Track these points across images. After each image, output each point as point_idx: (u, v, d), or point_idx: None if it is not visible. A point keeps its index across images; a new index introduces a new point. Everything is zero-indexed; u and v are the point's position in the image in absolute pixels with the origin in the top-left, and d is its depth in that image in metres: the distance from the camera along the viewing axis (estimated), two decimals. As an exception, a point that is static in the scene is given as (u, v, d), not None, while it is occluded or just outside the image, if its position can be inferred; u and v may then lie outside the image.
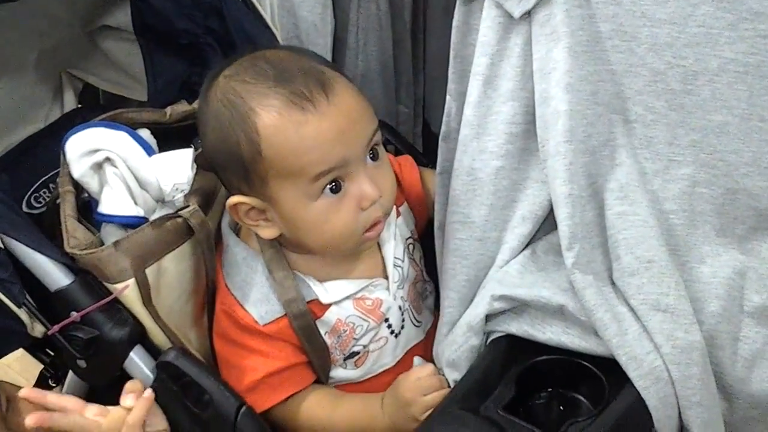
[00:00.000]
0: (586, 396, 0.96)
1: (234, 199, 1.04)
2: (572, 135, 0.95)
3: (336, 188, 1.01)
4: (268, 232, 1.06)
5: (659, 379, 0.93)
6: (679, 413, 0.96)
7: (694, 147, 0.95)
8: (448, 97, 1.07)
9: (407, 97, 1.49)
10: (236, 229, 1.14)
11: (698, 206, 0.97)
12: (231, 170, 1.04)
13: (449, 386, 1.04)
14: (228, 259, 1.11)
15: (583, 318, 0.95)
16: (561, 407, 0.97)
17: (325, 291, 1.09)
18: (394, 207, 1.12)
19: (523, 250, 1.03)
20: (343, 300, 1.10)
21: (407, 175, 1.22)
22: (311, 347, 1.09)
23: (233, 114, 1.01)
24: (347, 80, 1.04)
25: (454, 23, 1.03)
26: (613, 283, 0.98)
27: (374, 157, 1.04)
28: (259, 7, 1.28)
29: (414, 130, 1.44)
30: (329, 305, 1.09)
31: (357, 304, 1.11)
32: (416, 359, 1.14)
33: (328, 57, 1.45)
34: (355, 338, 1.11)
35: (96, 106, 1.41)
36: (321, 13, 1.36)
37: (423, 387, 1.03)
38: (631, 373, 0.93)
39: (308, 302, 1.08)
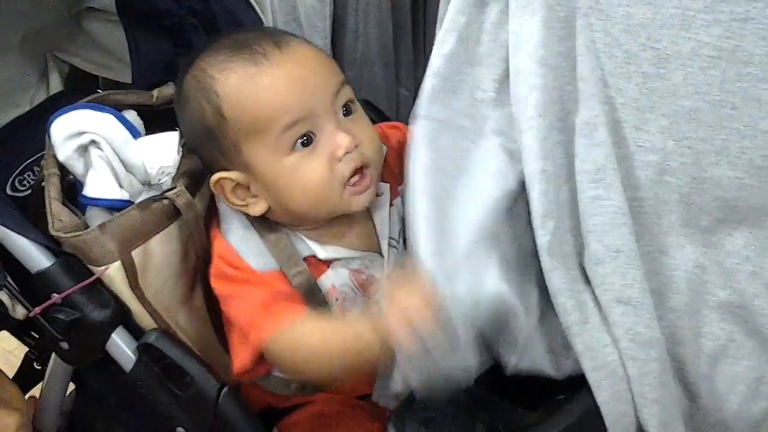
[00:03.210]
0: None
1: (216, 175, 1.04)
2: (545, 110, 0.93)
3: (307, 141, 1.01)
4: (258, 208, 1.06)
5: (614, 373, 0.91)
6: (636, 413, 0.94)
7: (663, 133, 0.92)
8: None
9: (408, 80, 1.48)
10: None
11: (663, 195, 0.94)
12: (205, 146, 1.05)
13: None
14: (227, 227, 1.09)
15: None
16: (543, 385, 0.96)
17: (322, 249, 1.08)
18: (390, 187, 1.12)
19: None
20: (340, 263, 1.08)
21: (397, 138, 1.18)
22: (312, 306, 1.06)
23: (196, 88, 1.03)
24: (307, 41, 1.07)
25: None
26: (583, 269, 0.96)
27: (347, 112, 1.04)
28: (243, -14, 1.28)
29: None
30: (326, 267, 1.08)
31: (353, 275, 1.10)
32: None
33: (328, 39, 1.44)
34: (346, 312, 1.09)
35: (81, 89, 1.40)
36: (320, -5, 1.36)
37: (407, 293, 0.90)
38: (586, 364, 0.91)
39: (304, 258, 1.07)
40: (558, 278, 0.93)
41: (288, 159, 1.01)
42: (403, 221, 1.13)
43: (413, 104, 1.42)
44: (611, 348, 0.92)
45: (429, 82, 0.99)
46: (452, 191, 0.96)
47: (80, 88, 1.37)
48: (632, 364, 0.91)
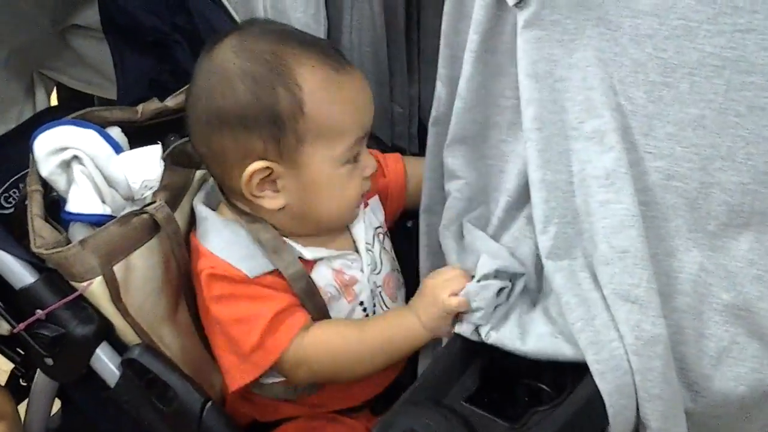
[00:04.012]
0: (549, 386, 0.96)
1: (257, 164, 1.04)
2: (542, 123, 0.96)
3: (355, 158, 1.08)
4: (274, 203, 1.07)
5: (618, 367, 0.93)
6: (638, 408, 0.95)
7: (670, 140, 0.95)
8: (438, 82, 1.08)
9: (402, 97, 1.49)
10: (210, 206, 1.14)
11: (671, 200, 0.97)
12: (259, 132, 1.03)
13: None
14: (206, 228, 1.11)
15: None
16: (525, 398, 0.97)
17: (307, 250, 1.10)
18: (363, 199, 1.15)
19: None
20: (323, 262, 1.10)
21: (392, 166, 1.25)
22: (313, 305, 1.08)
23: (269, 71, 1.02)
24: None
25: (445, 9, 1.05)
26: (591, 270, 0.98)
27: None
28: (227, 4, 1.28)
29: (409, 131, 1.43)
30: (313, 264, 1.10)
31: (335, 276, 1.11)
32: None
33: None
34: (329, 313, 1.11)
35: (68, 105, 1.40)
36: (314, 13, 1.36)
37: (446, 278, 1.01)
38: (589, 357, 0.93)
39: None
40: (561, 279, 0.96)
41: (340, 170, 1.06)
42: (374, 228, 1.18)
43: (408, 121, 1.44)
44: (618, 343, 0.94)
45: (457, 106, 1.04)
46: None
47: (73, 105, 1.38)
48: (637, 359, 0.93)
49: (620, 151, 0.96)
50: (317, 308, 1.09)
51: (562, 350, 0.95)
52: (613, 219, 0.95)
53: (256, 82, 1.02)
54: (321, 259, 1.10)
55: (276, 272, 1.07)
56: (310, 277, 1.08)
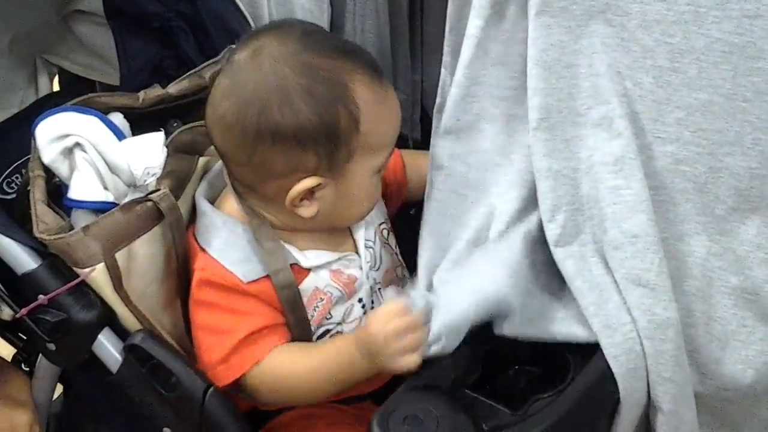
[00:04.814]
0: (551, 372, 0.96)
1: (310, 181, 1.03)
2: (548, 112, 0.97)
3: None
4: (309, 211, 1.07)
5: (631, 350, 0.94)
6: (648, 390, 0.96)
7: (679, 125, 0.96)
8: (443, 70, 1.08)
9: (405, 84, 1.49)
10: (210, 199, 1.14)
11: (680, 184, 0.97)
12: (315, 149, 1.02)
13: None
14: (204, 225, 1.10)
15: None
16: (527, 384, 0.98)
17: (304, 257, 1.10)
18: None
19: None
20: (322, 267, 1.10)
21: (390, 162, 1.22)
22: (294, 318, 1.08)
23: (328, 87, 1.01)
24: None
25: None
26: (602, 256, 0.98)
27: None
28: (230, -11, 1.28)
29: (412, 117, 1.43)
30: (308, 271, 1.09)
31: (333, 276, 1.11)
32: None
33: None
34: (330, 312, 1.11)
35: (69, 90, 1.40)
36: (318, 0, 1.36)
37: (396, 331, 0.96)
38: (604, 341, 0.93)
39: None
40: (571, 266, 0.97)
41: (374, 178, 1.08)
42: (377, 225, 1.17)
43: (411, 108, 1.44)
44: (630, 326, 0.95)
45: (453, 93, 1.04)
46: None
47: (74, 90, 1.38)
48: (649, 343, 0.94)
49: (628, 137, 0.96)
50: (298, 321, 1.09)
51: (575, 333, 0.95)
52: (623, 204, 0.96)
53: (317, 102, 1.01)
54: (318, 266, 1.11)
55: (268, 277, 1.07)
56: (298, 289, 1.08)
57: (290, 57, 1.02)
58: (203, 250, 1.09)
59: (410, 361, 0.96)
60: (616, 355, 0.93)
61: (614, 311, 0.95)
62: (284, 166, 1.03)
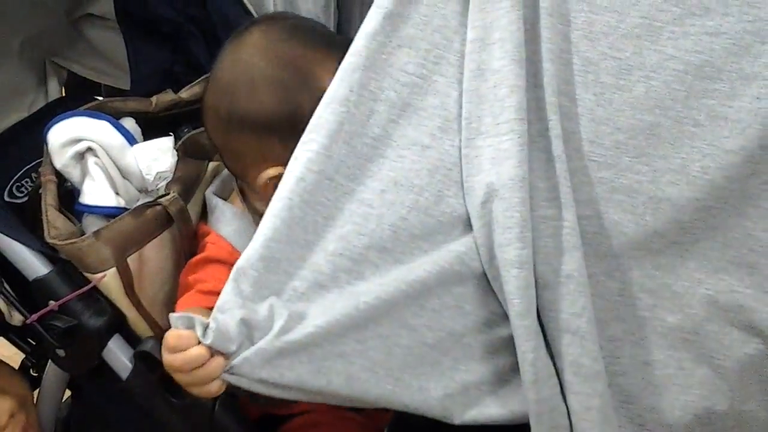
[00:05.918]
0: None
1: (274, 170, 1.04)
2: (526, 113, 0.87)
3: None
4: None
5: (556, 408, 0.86)
6: None
7: (618, 149, 0.87)
8: None
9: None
10: (222, 196, 1.15)
11: (614, 215, 0.88)
12: (279, 137, 1.03)
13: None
14: (216, 216, 1.12)
15: None
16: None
17: None
18: None
19: None
20: None
21: None
22: None
23: (295, 77, 1.03)
24: None
25: None
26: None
27: None
28: (240, -7, 1.28)
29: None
30: None
31: None
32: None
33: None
34: None
35: (80, 95, 1.40)
36: (324, 6, 1.36)
37: (180, 368, 0.88)
38: (530, 396, 0.86)
39: None
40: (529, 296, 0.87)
41: None
42: None
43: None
44: (554, 380, 0.87)
45: (347, 61, 0.90)
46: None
47: (81, 95, 1.37)
48: (574, 398, 0.86)
49: (564, 161, 0.87)
50: None
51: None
52: (556, 238, 0.87)
53: (282, 91, 1.03)
54: None
55: None
56: None
57: (268, 47, 1.05)
58: (214, 232, 1.10)
59: (208, 391, 0.88)
60: (540, 413, 0.86)
61: (540, 362, 0.85)
62: (255, 154, 1.06)
